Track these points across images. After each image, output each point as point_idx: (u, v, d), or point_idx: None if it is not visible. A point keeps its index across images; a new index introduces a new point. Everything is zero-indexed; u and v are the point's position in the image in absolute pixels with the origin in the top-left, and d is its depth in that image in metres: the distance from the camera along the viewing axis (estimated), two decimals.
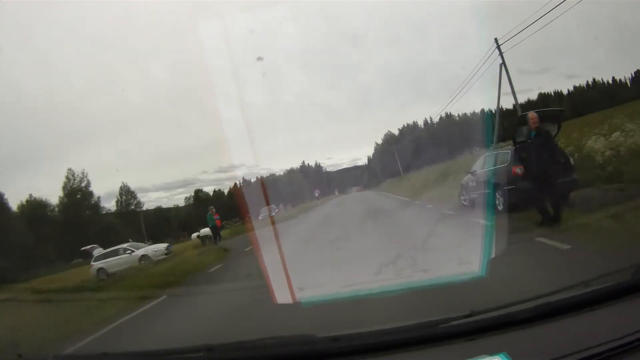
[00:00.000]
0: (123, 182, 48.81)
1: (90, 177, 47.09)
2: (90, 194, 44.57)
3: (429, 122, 58.73)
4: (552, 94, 51.54)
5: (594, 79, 48.92)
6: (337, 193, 63.78)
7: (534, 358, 1.49)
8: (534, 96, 50.89)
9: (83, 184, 44.17)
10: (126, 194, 49.97)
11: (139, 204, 51.09)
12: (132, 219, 45.06)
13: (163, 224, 49.82)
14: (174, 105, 63.29)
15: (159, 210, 55.88)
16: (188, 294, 9.33)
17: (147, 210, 52.73)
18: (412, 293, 4.33)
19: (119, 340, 6.06)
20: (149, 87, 59.19)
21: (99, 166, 58.09)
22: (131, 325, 6.88)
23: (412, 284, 4.90)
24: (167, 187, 78.15)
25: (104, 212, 46.17)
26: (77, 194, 43.55)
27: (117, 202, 49.35)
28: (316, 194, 42.67)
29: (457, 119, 52.61)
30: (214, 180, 76.60)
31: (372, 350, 1.73)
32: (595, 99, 42.32)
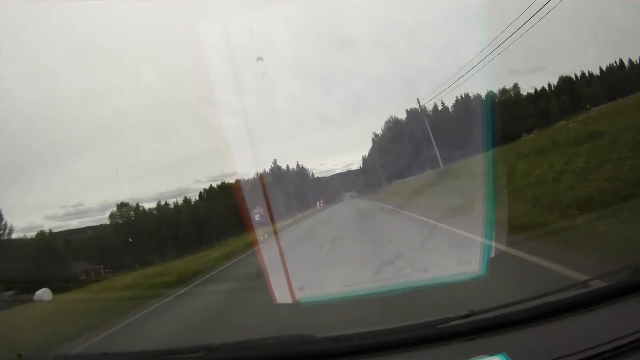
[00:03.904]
0: None
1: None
2: None
3: (442, 105, 46.09)
4: (579, 76, 47.88)
5: (620, 60, 45.99)
6: (320, 206, 46.58)
7: (533, 358, 1.48)
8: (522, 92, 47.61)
9: None
10: None
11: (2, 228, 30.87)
12: None
13: (50, 260, 30.81)
14: (169, 113, 63.28)
15: (41, 237, 35.60)
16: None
17: (22, 239, 32.64)
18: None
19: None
20: (141, 96, 58.85)
21: (92, 176, 55.77)
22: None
23: (411, 284, 4.90)
24: (161, 197, 72.16)
25: None
26: None
27: None
28: (256, 216, 19.22)
29: (481, 98, 40.11)
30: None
31: (372, 350, 1.73)
32: (631, 80, 39.03)
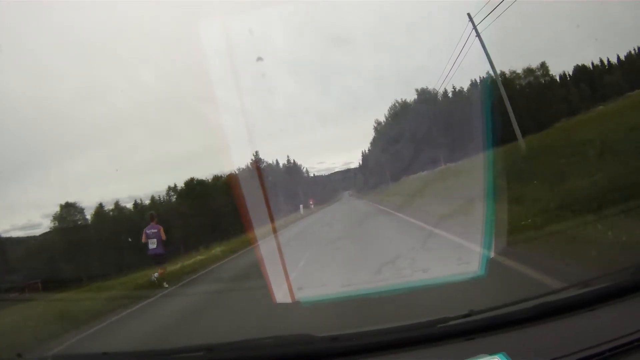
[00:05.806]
0: None
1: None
2: None
3: (453, 90, 37.32)
4: (596, 65, 43.78)
5: (637, 48, 42.15)
6: (303, 210, 36.86)
7: (533, 357, 1.48)
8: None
9: None
10: None
11: None
12: None
13: None
14: (168, 112, 62.92)
15: None
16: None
17: None
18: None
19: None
20: (139, 95, 58.50)
21: (90, 174, 55.07)
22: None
23: (411, 283, 4.90)
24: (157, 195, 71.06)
25: None
26: None
27: None
28: (151, 242, 10.15)
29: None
30: None
31: (371, 350, 1.72)
32: None
